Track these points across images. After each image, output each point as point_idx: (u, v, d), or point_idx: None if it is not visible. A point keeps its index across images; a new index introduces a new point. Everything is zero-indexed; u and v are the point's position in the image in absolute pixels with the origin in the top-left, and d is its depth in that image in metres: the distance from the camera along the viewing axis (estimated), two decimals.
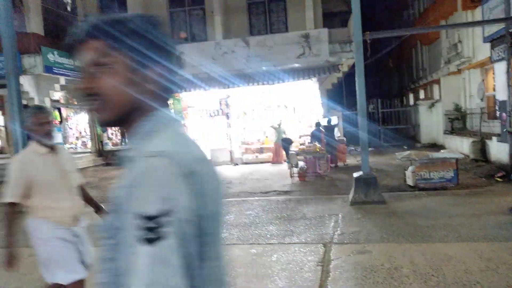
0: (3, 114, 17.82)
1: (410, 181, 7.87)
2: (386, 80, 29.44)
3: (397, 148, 14.45)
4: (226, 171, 12.71)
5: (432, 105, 16.55)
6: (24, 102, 12.54)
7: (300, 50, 13.60)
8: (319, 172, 10.30)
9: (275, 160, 13.36)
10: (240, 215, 6.63)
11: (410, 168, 7.92)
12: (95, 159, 16.21)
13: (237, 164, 14.25)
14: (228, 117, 15.15)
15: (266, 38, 13.98)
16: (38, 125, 2.63)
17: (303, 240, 5.03)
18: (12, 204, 2.59)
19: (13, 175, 2.62)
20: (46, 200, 2.63)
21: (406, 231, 5.13)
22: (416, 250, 4.39)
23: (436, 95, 16.98)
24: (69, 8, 12.57)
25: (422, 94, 19.56)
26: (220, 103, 15.40)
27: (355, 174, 7.06)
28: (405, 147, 14.91)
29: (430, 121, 16.55)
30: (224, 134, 15.18)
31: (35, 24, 13.73)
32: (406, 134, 18.35)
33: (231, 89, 14.75)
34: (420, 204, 6.65)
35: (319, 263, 4.15)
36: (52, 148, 2.74)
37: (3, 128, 18.59)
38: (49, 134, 2.71)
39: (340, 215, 6.16)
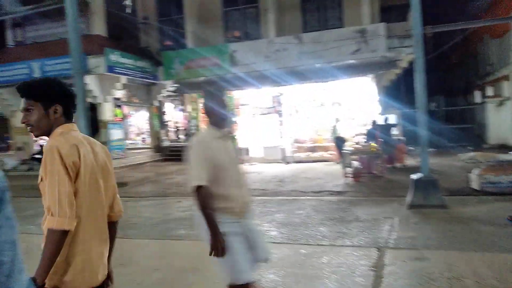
0: None
1: (474, 185, 7.31)
2: (449, 77, 27.66)
3: (461, 149, 13.54)
4: (277, 169, 12.68)
5: (501, 103, 15.28)
6: (89, 100, 13.40)
7: (356, 46, 13.17)
8: (375, 173, 9.92)
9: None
10: (290, 214, 6.56)
11: (475, 171, 7.36)
12: (153, 155, 16.93)
13: (289, 163, 14.16)
14: (280, 115, 15.10)
15: (320, 35, 13.71)
16: (219, 107, 2.57)
17: (356, 243, 4.85)
18: (201, 188, 2.38)
19: (197, 157, 2.46)
20: (220, 187, 2.45)
21: (469, 238, 4.77)
22: (480, 259, 4.06)
23: (506, 92, 15.66)
24: (129, 11, 13.18)
25: (490, 91, 18.13)
26: (273, 101, 15.38)
27: (414, 176, 6.69)
28: (470, 148, 13.92)
29: (499, 120, 15.31)
30: (276, 132, 15.14)
31: (99, 27, 14.60)
32: (471, 134, 17.12)
33: (283, 87, 14.68)
34: (486, 209, 6.15)
35: (372, 268, 3.97)
36: (225, 133, 2.66)
37: None
38: (226, 118, 2.65)
39: (396, 219, 5.87)
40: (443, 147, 14.98)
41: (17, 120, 16.04)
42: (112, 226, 2.01)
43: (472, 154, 8.12)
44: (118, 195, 2.09)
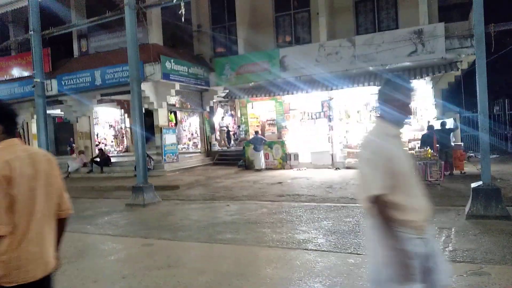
0: (129, 116, 20.21)
1: None
2: None
3: None
4: (326, 175, 12.43)
5: None
6: (145, 106, 14.03)
7: (412, 48, 12.63)
8: (430, 180, 9.40)
9: None
10: (339, 221, 6.38)
11: None
12: (204, 159, 17.34)
13: (338, 168, 13.84)
14: (330, 120, 14.82)
15: (373, 37, 13.31)
16: (406, 101, 2.17)
17: None
18: (379, 198, 2.00)
19: (371, 160, 2.06)
20: (400, 196, 2.05)
21: None
22: None
23: None
24: (183, 19, 13.67)
25: None
26: (323, 105, 15.15)
27: (474, 184, 6.24)
28: None
29: None
30: (325, 137, 14.88)
31: (155, 36, 15.27)
32: None
33: (334, 91, 14.41)
34: None
35: None
36: (400, 132, 2.23)
37: (129, 130, 21.09)
38: (408, 115, 2.20)
39: (453, 229, 5.49)
40: (507, 154, 13.86)
41: (80, 126, 17.21)
42: (61, 222, 2.23)
43: None
44: (66, 194, 2.28)
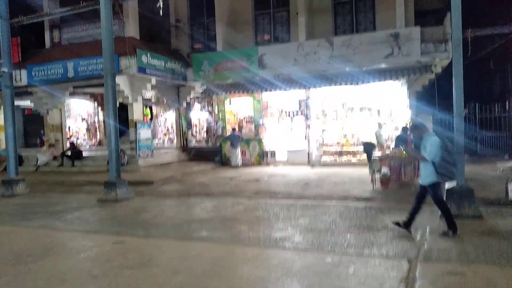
0: (102, 110, 19.65)
1: None
2: (485, 83, 26.52)
3: (496, 157, 12.90)
4: (303, 173, 12.48)
5: None
6: (120, 100, 13.65)
7: (388, 50, 12.83)
8: (404, 180, 9.56)
9: None
10: (315, 219, 6.37)
11: None
12: (180, 154, 17.08)
13: (314, 166, 13.91)
14: (307, 118, 14.88)
15: (351, 38, 13.44)
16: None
17: (384, 253, 4.62)
18: None
19: None
20: None
21: (508, 253, 4.45)
22: None
23: None
24: (161, 13, 13.36)
25: None
26: (300, 104, 15.19)
27: (447, 184, 6.36)
28: (506, 157, 13.25)
29: None
30: (302, 135, 14.94)
31: (132, 29, 14.88)
32: (507, 142, 16.30)
33: (312, 90, 14.48)
34: None
35: (402, 281, 3.75)
36: None
37: (102, 123, 20.51)
38: None
39: (427, 228, 5.58)
40: (478, 155, 14.33)
41: (51, 118, 16.59)
42: None
43: (511, 163, 7.72)
44: None
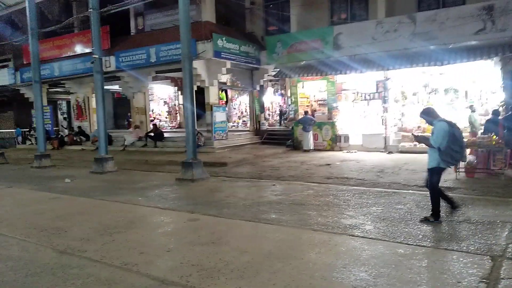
0: (182, 94, 20.66)
1: None
2: None
3: None
4: (378, 159, 11.96)
5: None
6: (198, 84, 14.20)
7: (480, 25, 11.59)
8: (493, 169, 8.68)
9: None
10: (389, 208, 6.08)
11: None
12: (252, 137, 17.40)
13: (391, 152, 13.24)
14: (385, 101, 14.14)
15: (437, 13, 12.35)
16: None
17: (464, 248, 4.26)
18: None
19: None
20: None
21: None
22: None
23: None
24: None
25: None
26: (377, 86, 14.47)
27: None
28: None
29: None
30: (379, 119, 14.26)
31: (208, 13, 15.28)
32: None
33: (390, 71, 13.68)
34: None
35: (484, 280, 3.43)
36: None
37: (181, 106, 21.60)
38: None
39: None
40: None
41: (136, 101, 17.86)
42: None
43: None
44: None
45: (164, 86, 21.14)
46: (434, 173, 5.25)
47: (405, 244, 4.44)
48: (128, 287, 3.48)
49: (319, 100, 16.96)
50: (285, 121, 18.33)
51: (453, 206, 5.35)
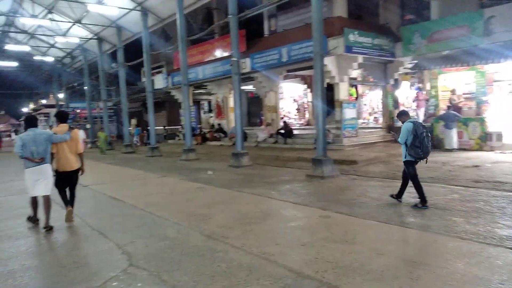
0: (311, 91, 20.82)
1: None
2: None
3: None
4: None
5: None
6: (327, 80, 14.12)
7: None
8: None
9: None
10: None
11: None
12: (385, 135, 16.50)
13: None
14: None
15: None
16: None
17: None
18: None
19: None
20: None
21: None
22: None
23: None
24: None
25: None
26: None
27: None
28: None
29: None
30: None
31: (340, 8, 15.02)
32: None
33: None
34: None
35: None
36: None
37: (310, 104, 21.79)
38: None
39: None
40: None
41: (268, 100, 18.68)
42: (79, 155, 6.21)
43: None
44: (80, 145, 6.22)
45: (294, 84, 21.60)
46: (407, 165, 6.33)
47: None
48: (267, 275, 3.68)
49: (465, 93, 15.11)
50: (424, 117, 16.88)
51: (425, 201, 6.11)
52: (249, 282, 3.54)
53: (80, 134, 6.79)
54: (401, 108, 15.03)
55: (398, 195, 6.51)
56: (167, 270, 3.92)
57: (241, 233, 5.09)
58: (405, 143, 6.15)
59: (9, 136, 53.44)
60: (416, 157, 6.14)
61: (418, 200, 6.14)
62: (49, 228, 5.65)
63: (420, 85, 16.89)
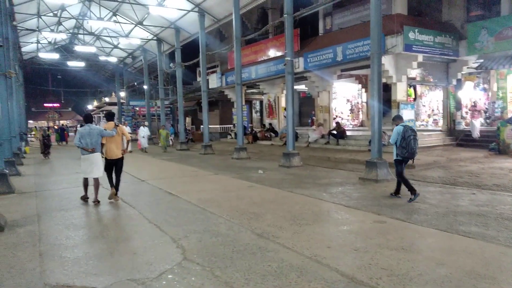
0: (366, 91, 20.23)
1: None
2: None
3: None
4: None
5: None
6: (384, 80, 13.63)
7: None
8: None
9: None
10: None
11: None
12: (445, 138, 15.64)
13: None
14: None
15: None
16: None
17: None
18: None
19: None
20: None
21: None
22: None
23: None
24: None
25: None
26: None
27: None
28: None
29: None
30: None
31: (399, 5, 14.43)
32: None
33: None
34: None
35: None
36: None
37: (365, 104, 21.19)
38: None
39: None
40: None
41: (320, 100, 18.42)
42: (127, 142, 8.05)
43: None
44: (126, 138, 7.88)
45: (348, 84, 21.11)
46: (396, 164, 7.15)
47: None
48: (318, 278, 3.63)
49: None
50: (488, 120, 15.77)
51: (414, 192, 6.85)
52: (300, 284, 3.51)
53: (125, 128, 8.39)
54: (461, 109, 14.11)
55: (396, 192, 7.32)
56: (220, 266, 3.99)
57: (292, 234, 5.06)
58: (395, 144, 7.00)
59: (75, 131, 57.47)
60: (402, 157, 6.96)
61: (413, 196, 6.83)
62: (97, 202, 7.29)
63: (486, 86, 15.81)
